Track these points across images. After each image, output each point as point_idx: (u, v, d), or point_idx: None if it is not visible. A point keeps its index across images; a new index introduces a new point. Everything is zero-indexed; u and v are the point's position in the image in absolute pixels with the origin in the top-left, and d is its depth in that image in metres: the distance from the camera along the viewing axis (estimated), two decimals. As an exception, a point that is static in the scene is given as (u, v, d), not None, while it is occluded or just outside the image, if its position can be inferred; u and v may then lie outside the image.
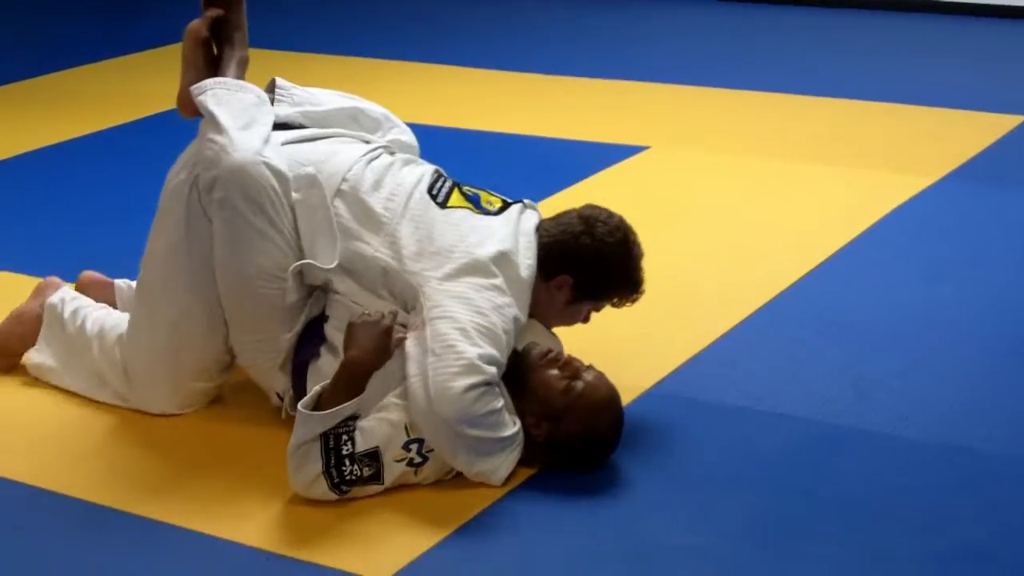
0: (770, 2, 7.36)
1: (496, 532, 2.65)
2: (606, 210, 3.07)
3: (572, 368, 2.83)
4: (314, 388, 2.77)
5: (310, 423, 2.70)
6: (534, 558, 2.57)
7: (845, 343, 3.43)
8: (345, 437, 2.71)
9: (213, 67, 3.15)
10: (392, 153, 3.12)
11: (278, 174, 2.92)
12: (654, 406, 3.12)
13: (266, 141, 2.97)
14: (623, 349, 3.34)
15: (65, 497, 2.80)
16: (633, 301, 3.10)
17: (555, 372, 2.82)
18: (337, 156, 3.02)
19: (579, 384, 2.81)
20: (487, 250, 2.90)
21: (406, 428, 2.75)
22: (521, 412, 2.81)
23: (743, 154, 4.92)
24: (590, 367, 2.87)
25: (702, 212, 4.39)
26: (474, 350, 2.75)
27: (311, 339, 2.95)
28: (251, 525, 2.69)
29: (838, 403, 3.12)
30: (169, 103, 3.24)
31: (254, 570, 2.56)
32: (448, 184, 3.07)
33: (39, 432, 3.06)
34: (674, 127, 5.28)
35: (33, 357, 3.24)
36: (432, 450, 2.75)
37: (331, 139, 3.09)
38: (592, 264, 2.99)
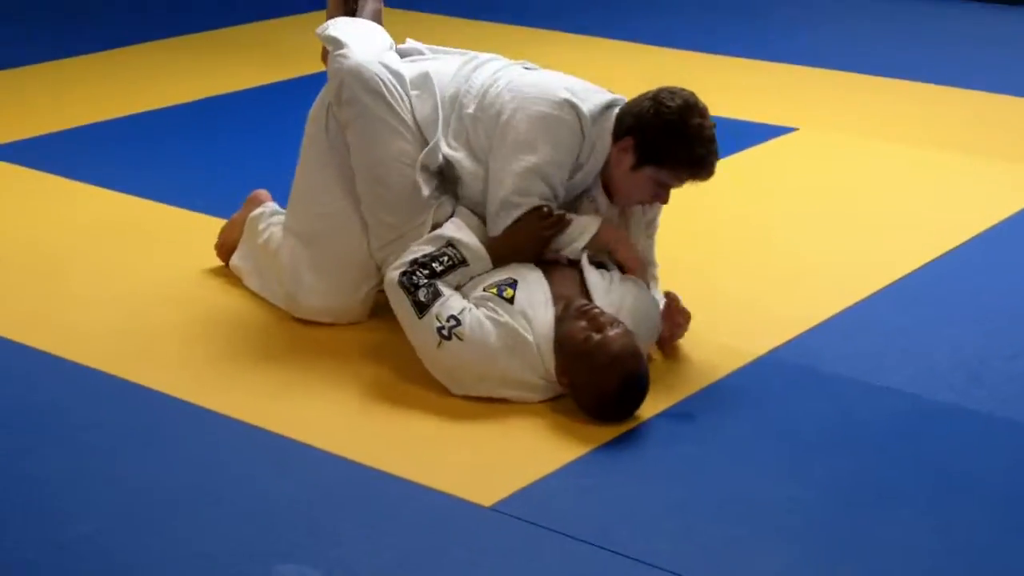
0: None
1: (600, 473, 2.83)
2: (681, 88, 3.21)
3: (597, 323, 2.95)
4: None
5: (448, 227, 3.12)
6: (634, 500, 2.74)
7: (963, 325, 3.53)
8: (448, 259, 3.06)
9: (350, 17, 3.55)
10: (496, 56, 3.43)
11: (395, 73, 3.30)
12: (765, 371, 3.26)
13: (384, 51, 3.34)
14: (744, 315, 3.50)
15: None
16: (700, 178, 3.18)
17: (582, 323, 2.97)
18: (451, 61, 3.39)
19: (595, 337, 2.93)
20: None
21: (463, 310, 3.02)
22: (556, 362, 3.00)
23: (889, 140, 4.99)
24: (620, 326, 2.97)
25: (844, 192, 4.49)
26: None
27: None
28: (359, 441, 2.90)
29: (946, 381, 3.23)
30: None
31: (360, 485, 2.75)
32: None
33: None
34: (823, 110, 5.37)
35: (235, 259, 3.65)
36: (460, 338, 2.97)
37: (446, 55, 3.45)
38: (650, 125, 3.14)
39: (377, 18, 3.58)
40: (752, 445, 2.95)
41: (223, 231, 3.74)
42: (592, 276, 3.17)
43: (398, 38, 3.53)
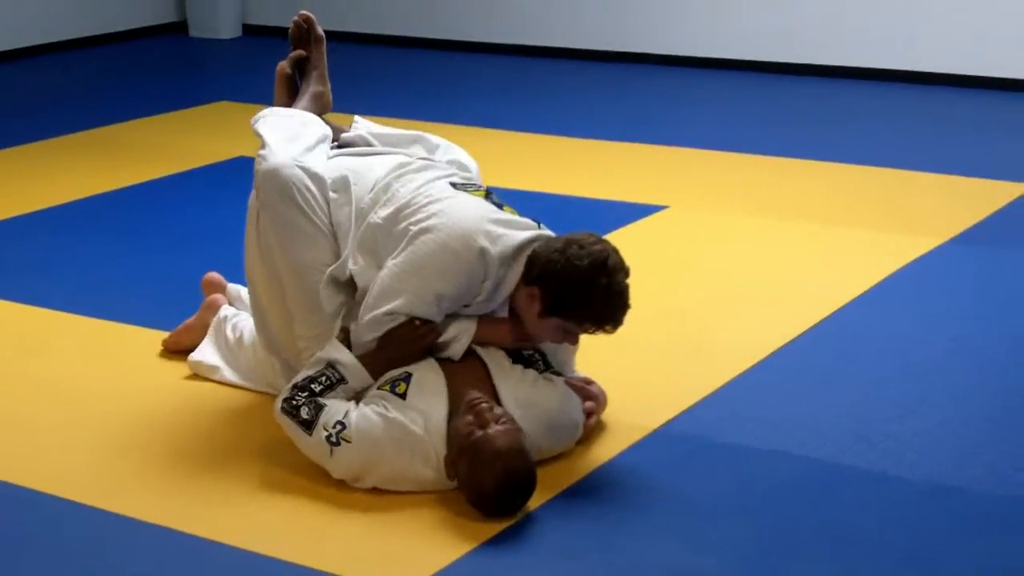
0: (785, 72, 7.58)
1: (511, 554, 2.82)
2: (594, 237, 3.16)
3: (482, 418, 2.95)
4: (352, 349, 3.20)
5: (328, 350, 3.15)
6: (545, 579, 2.74)
7: (847, 388, 3.61)
8: (326, 379, 3.10)
9: (293, 101, 3.59)
10: (430, 163, 3.39)
11: (313, 176, 3.26)
12: (663, 444, 3.29)
13: (308, 150, 3.32)
14: (633, 391, 3.53)
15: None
16: (606, 331, 3.15)
17: (468, 418, 2.97)
18: (379, 164, 3.35)
19: (478, 432, 2.93)
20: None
21: (346, 412, 3.05)
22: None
23: (758, 214, 5.11)
24: (507, 422, 2.96)
25: (717, 267, 4.58)
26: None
27: None
28: (253, 530, 2.89)
29: (836, 443, 3.29)
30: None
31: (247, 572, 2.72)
32: (475, 187, 3.32)
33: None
34: (692, 188, 5.49)
35: (195, 355, 3.68)
36: (348, 440, 3.01)
37: (380, 155, 3.42)
38: (556, 282, 3.08)
39: (319, 102, 3.60)
40: (649, 517, 2.97)
41: (177, 335, 3.80)
42: (498, 372, 3.15)
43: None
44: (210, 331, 3.70)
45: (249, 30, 8.86)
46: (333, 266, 3.24)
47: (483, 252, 3.11)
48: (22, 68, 8.03)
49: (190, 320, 3.79)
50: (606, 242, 3.16)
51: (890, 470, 3.17)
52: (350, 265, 3.23)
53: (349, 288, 3.27)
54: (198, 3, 8.87)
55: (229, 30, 8.87)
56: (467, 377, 3.13)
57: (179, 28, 9.02)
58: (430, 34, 8.43)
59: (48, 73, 7.96)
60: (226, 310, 3.72)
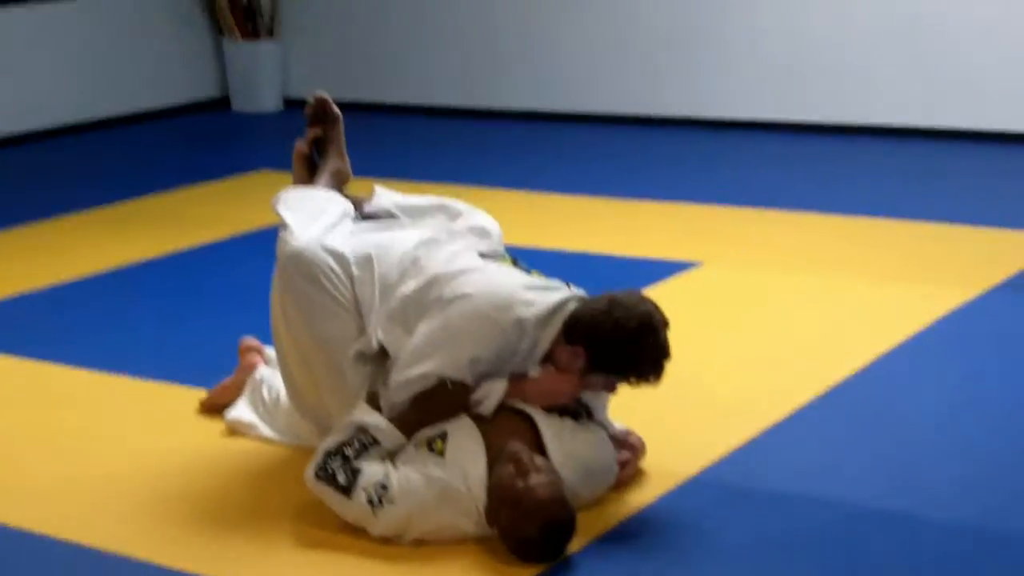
0: (812, 132, 7.65)
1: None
2: (638, 296, 3.22)
3: (523, 468, 2.99)
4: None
5: (357, 414, 3.17)
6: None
7: (883, 439, 3.64)
8: (358, 443, 3.11)
9: (312, 179, 3.64)
10: (455, 235, 3.45)
11: (336, 255, 3.31)
12: (699, 491, 3.34)
13: (330, 228, 3.36)
14: (669, 440, 3.57)
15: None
16: (649, 383, 3.22)
17: (509, 469, 3.02)
18: (404, 238, 3.39)
19: (520, 484, 2.98)
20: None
21: (386, 474, 3.08)
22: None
23: (791, 271, 5.15)
24: (548, 472, 3.01)
25: (749, 322, 4.63)
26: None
27: None
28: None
29: (874, 491, 3.32)
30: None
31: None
32: (501, 256, 3.39)
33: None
34: (725, 246, 5.54)
35: (232, 413, 3.75)
36: (391, 501, 3.04)
37: (403, 228, 3.46)
38: (604, 343, 3.15)
39: (339, 178, 3.67)
40: (684, 564, 3.01)
41: (215, 394, 3.86)
42: (543, 423, 3.20)
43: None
44: (246, 391, 3.77)
45: (290, 103, 9.03)
46: (359, 342, 3.28)
47: (520, 322, 3.17)
48: (72, 143, 8.21)
49: (228, 380, 3.87)
50: (647, 299, 3.22)
51: (925, 517, 3.19)
52: (379, 336, 3.27)
53: (375, 360, 3.32)
54: (240, 78, 9.05)
55: (271, 104, 9.05)
56: (505, 430, 3.18)
57: (222, 104, 9.21)
58: (458, 102, 8.58)
59: (93, 148, 8.12)
60: (262, 371, 3.79)
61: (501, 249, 3.50)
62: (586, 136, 7.94)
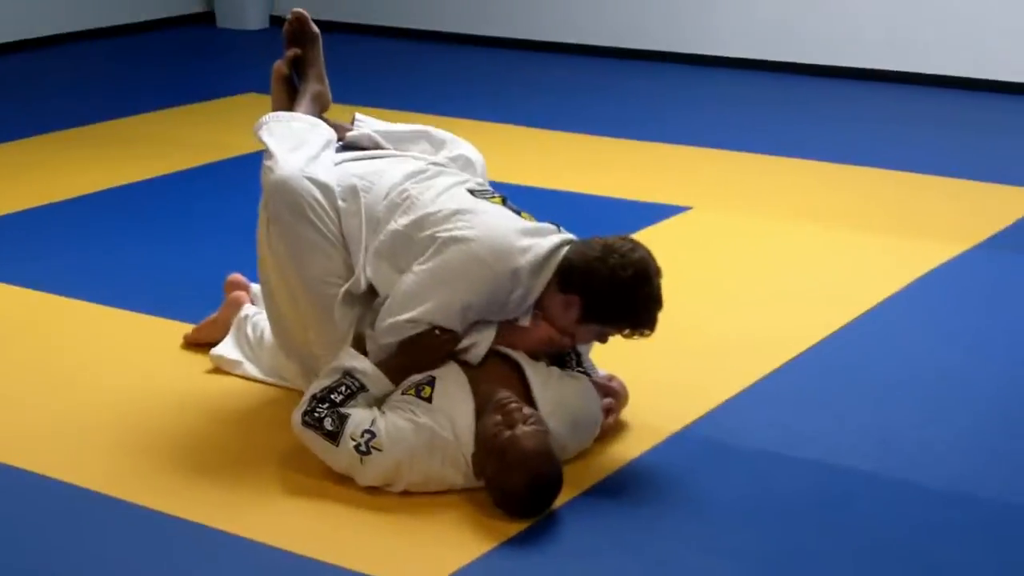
0: (812, 73, 7.58)
1: (530, 552, 2.85)
2: (632, 242, 3.18)
3: (511, 418, 2.96)
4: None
5: (344, 358, 3.13)
6: (564, 578, 2.76)
7: (869, 396, 3.62)
8: (346, 389, 3.07)
9: (293, 102, 3.54)
10: (443, 168, 3.38)
11: (321, 186, 3.24)
12: (683, 446, 3.31)
13: (313, 159, 3.29)
14: (655, 392, 3.54)
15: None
16: (643, 335, 3.20)
17: (496, 418, 2.98)
18: (391, 168, 3.32)
19: (506, 433, 2.94)
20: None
21: (373, 420, 3.03)
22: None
23: (782, 218, 5.12)
24: (535, 423, 2.97)
25: (739, 269, 4.59)
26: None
27: None
28: (285, 530, 2.91)
29: (859, 450, 3.30)
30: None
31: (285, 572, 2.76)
32: (491, 193, 3.31)
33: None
34: (716, 189, 5.50)
35: (218, 351, 3.71)
36: (379, 448, 3.00)
37: (388, 158, 3.40)
38: (600, 292, 3.12)
39: (318, 102, 3.58)
40: (668, 519, 2.99)
41: (199, 330, 3.82)
42: (530, 371, 3.17)
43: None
44: (232, 328, 3.73)
45: (276, 21, 8.89)
46: (348, 282, 3.23)
47: (516, 271, 3.12)
48: (47, 56, 8.09)
49: (213, 316, 3.82)
50: (642, 247, 3.18)
51: (910, 477, 3.18)
52: (368, 273, 3.22)
53: (364, 300, 3.27)
54: (226, -7, 8.92)
55: (257, 21, 8.91)
56: (492, 376, 3.14)
57: (207, 19, 9.06)
58: (451, 28, 8.45)
59: (73, 62, 8.00)
60: (248, 308, 3.74)
61: (485, 181, 3.44)
62: (568, 68, 7.84)
